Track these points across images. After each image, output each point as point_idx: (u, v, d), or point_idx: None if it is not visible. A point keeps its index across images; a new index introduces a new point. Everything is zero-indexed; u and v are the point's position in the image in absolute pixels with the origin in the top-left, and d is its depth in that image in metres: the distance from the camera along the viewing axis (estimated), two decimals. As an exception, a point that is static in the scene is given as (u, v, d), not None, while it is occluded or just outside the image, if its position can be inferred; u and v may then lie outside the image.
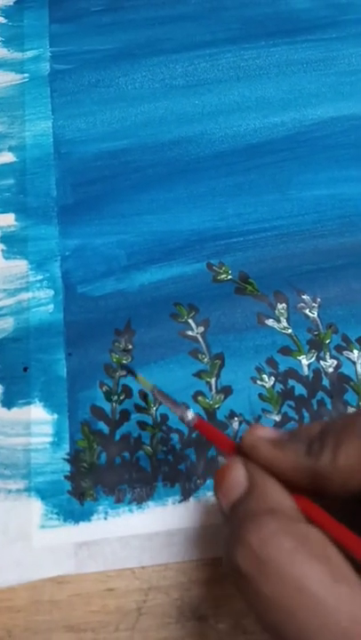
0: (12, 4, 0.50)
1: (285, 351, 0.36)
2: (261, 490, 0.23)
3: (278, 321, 0.37)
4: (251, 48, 0.48)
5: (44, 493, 0.33)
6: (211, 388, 0.35)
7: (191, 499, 0.33)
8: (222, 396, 0.35)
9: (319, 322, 0.37)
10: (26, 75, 0.46)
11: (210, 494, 0.33)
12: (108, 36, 0.49)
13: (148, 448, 0.34)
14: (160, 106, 0.45)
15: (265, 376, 0.36)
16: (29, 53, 0.47)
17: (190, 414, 0.27)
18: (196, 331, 0.37)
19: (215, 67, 0.47)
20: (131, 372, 0.33)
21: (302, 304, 0.38)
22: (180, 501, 0.32)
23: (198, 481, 0.33)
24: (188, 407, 0.28)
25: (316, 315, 0.37)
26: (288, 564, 0.20)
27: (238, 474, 0.24)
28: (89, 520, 0.32)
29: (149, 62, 0.47)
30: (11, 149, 0.43)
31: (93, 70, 0.47)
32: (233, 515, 0.23)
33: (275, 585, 0.20)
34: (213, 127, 0.44)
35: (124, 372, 0.36)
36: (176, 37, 0.48)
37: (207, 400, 0.35)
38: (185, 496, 0.33)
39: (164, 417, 0.34)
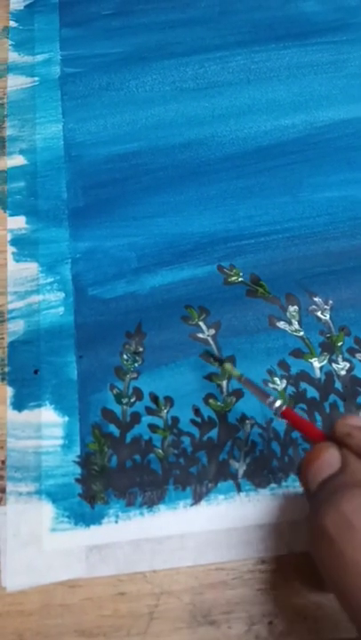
0: (22, 8, 0.50)
1: (297, 354, 0.36)
2: (355, 468, 0.25)
3: (290, 323, 0.37)
4: (261, 51, 0.48)
5: (54, 496, 0.32)
6: (222, 391, 0.35)
7: (203, 502, 0.32)
8: (233, 399, 0.35)
9: (331, 324, 0.37)
10: (36, 78, 0.46)
11: (221, 498, 0.32)
12: (119, 39, 0.49)
13: (160, 451, 0.33)
14: (170, 109, 0.45)
15: (277, 379, 0.35)
16: (40, 57, 0.48)
17: (278, 402, 0.29)
18: (207, 333, 0.37)
19: (226, 69, 0.47)
20: (218, 359, 0.34)
21: (314, 306, 0.37)
22: (192, 505, 0.32)
23: (210, 484, 0.33)
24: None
25: (328, 317, 0.37)
26: None
27: (332, 454, 0.26)
28: (100, 523, 0.32)
29: (160, 65, 0.47)
30: (22, 152, 0.43)
31: (104, 73, 0.47)
32: (325, 487, 0.25)
33: (358, 550, 0.22)
34: (224, 130, 0.44)
35: (135, 375, 0.35)
36: (186, 41, 0.48)
37: (218, 403, 0.35)
38: (196, 499, 0.32)
39: (176, 420, 0.34)
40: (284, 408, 0.29)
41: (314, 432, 0.29)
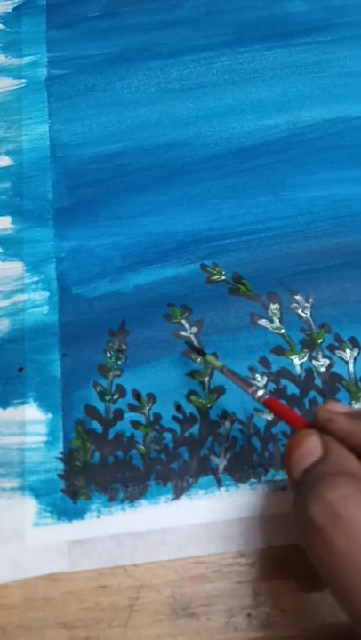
0: (10, 10, 0.51)
1: (278, 351, 0.37)
2: (336, 455, 0.25)
3: (271, 321, 0.37)
4: (246, 52, 0.48)
5: (38, 492, 0.33)
6: (204, 388, 0.36)
7: (183, 497, 0.33)
8: (215, 396, 0.35)
9: (312, 322, 0.37)
10: (23, 80, 0.47)
11: (202, 492, 0.33)
12: (105, 41, 0.49)
13: (141, 447, 0.34)
14: (155, 109, 0.46)
15: (258, 375, 0.36)
16: (27, 59, 0.48)
17: (260, 392, 0.30)
18: (189, 331, 0.37)
19: (210, 70, 0.47)
20: (199, 352, 0.34)
21: (295, 304, 0.38)
22: (173, 500, 0.33)
23: (190, 479, 0.33)
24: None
25: (308, 315, 0.38)
26: None
27: (314, 441, 0.26)
28: (82, 518, 0.32)
29: (145, 66, 0.48)
30: (7, 153, 0.43)
31: (90, 75, 0.47)
32: (307, 476, 0.25)
33: (349, 539, 0.22)
34: (208, 130, 0.45)
35: (118, 372, 0.36)
36: (172, 42, 0.49)
37: (200, 400, 0.35)
38: (177, 494, 0.33)
39: (158, 416, 0.35)
40: (266, 397, 0.30)
41: (296, 420, 0.29)
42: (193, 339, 0.37)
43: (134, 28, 0.50)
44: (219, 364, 0.32)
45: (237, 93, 0.46)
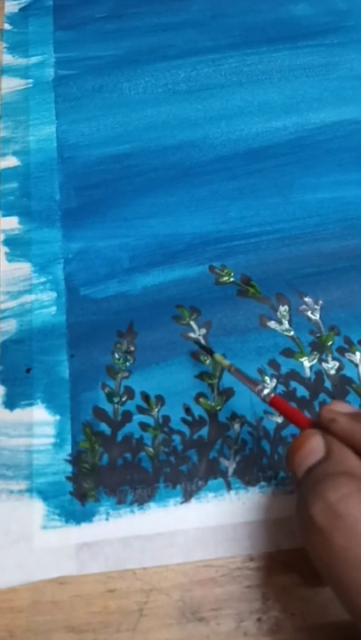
0: (17, 11, 0.51)
1: (287, 353, 0.36)
2: (338, 455, 0.25)
3: (280, 323, 0.37)
4: (253, 53, 0.48)
5: (45, 494, 0.33)
6: (212, 390, 0.35)
7: (192, 500, 0.32)
8: (224, 398, 0.35)
9: (321, 324, 0.37)
10: (30, 80, 0.47)
11: (211, 495, 0.33)
12: (112, 42, 0.49)
13: (150, 449, 0.34)
14: (163, 110, 0.46)
15: (267, 378, 0.36)
16: (34, 59, 0.48)
17: (266, 390, 0.30)
18: (198, 333, 0.37)
19: (218, 72, 0.47)
20: (208, 350, 0.34)
21: (304, 306, 0.38)
22: (182, 503, 0.32)
23: (200, 482, 0.33)
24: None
25: (318, 317, 0.37)
26: None
27: (316, 441, 0.26)
28: (90, 521, 0.32)
29: (152, 68, 0.48)
30: (15, 154, 0.43)
31: (97, 76, 0.47)
32: (310, 475, 0.25)
33: (349, 538, 0.22)
34: (216, 131, 0.45)
35: (126, 374, 0.36)
36: (178, 44, 0.49)
37: (209, 402, 0.35)
38: (186, 497, 0.33)
39: (166, 418, 0.34)
40: (272, 396, 0.30)
41: (300, 419, 0.29)
42: (202, 340, 0.37)
43: (141, 29, 0.50)
44: (227, 362, 0.32)
45: (245, 95, 0.46)
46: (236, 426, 0.34)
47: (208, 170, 0.43)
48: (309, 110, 0.45)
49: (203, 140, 0.44)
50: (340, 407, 0.28)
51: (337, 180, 0.42)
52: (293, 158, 0.43)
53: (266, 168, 0.43)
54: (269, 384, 0.35)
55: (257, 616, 0.30)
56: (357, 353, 0.36)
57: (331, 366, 0.36)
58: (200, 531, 0.32)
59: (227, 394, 0.35)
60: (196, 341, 0.36)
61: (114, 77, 0.47)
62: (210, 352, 0.34)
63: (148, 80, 0.47)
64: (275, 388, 0.35)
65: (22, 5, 0.51)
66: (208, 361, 0.36)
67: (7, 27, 0.49)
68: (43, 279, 0.39)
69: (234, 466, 0.33)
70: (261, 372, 0.36)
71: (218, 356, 0.33)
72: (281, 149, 0.44)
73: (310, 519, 0.24)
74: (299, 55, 0.48)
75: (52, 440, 0.34)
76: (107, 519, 0.32)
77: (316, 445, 0.26)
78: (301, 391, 0.35)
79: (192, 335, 0.37)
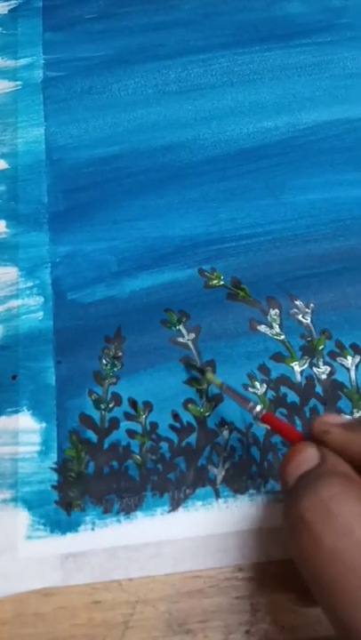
0: (6, 12, 0.50)
1: (278, 357, 0.36)
2: (332, 462, 0.25)
3: (271, 327, 0.37)
4: (244, 53, 0.47)
5: (30, 503, 0.32)
6: (201, 396, 0.35)
7: (180, 509, 0.32)
8: (213, 404, 0.34)
9: (312, 328, 0.37)
10: (19, 82, 0.46)
11: (199, 504, 0.32)
12: (101, 42, 0.48)
13: (137, 457, 0.33)
14: (153, 111, 0.45)
15: (257, 383, 0.35)
16: (23, 61, 0.47)
17: (258, 407, 0.29)
18: (187, 337, 0.36)
19: (209, 72, 0.47)
20: (198, 369, 0.34)
21: (295, 310, 0.37)
22: (169, 511, 0.32)
23: (188, 490, 0.32)
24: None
25: (309, 320, 0.37)
26: (357, 521, 0.21)
27: (310, 451, 0.26)
28: (76, 531, 0.32)
29: (142, 68, 0.47)
30: (3, 156, 0.43)
31: (86, 77, 0.47)
32: (301, 480, 0.25)
33: (339, 538, 0.21)
34: (206, 132, 0.44)
35: (114, 380, 0.35)
36: (169, 43, 0.48)
37: (198, 408, 0.34)
38: (174, 506, 0.32)
39: (154, 425, 0.34)
40: (263, 413, 0.29)
41: (292, 434, 0.28)
42: (191, 346, 0.36)
43: (131, 29, 0.49)
44: (218, 380, 0.32)
45: (236, 95, 0.46)
46: (226, 432, 0.34)
47: (199, 171, 0.42)
48: (301, 110, 0.45)
49: (193, 140, 0.44)
50: (333, 419, 0.27)
51: (329, 181, 0.42)
52: (285, 159, 0.43)
53: (257, 169, 0.42)
54: (260, 389, 0.35)
55: (245, 628, 0.29)
56: (349, 357, 0.36)
57: (322, 371, 0.35)
58: (188, 540, 0.31)
59: (216, 400, 0.35)
60: (186, 362, 0.35)
61: (103, 78, 0.47)
62: (201, 371, 0.34)
63: (138, 81, 0.46)
64: (265, 394, 0.34)
65: (12, 7, 0.50)
66: (198, 364, 0.35)
67: (-4, 28, 0.49)
68: (30, 284, 0.38)
69: (223, 473, 0.33)
70: (251, 377, 0.35)
71: (209, 375, 0.33)
72: (272, 150, 0.43)
73: (300, 516, 0.23)
74: (291, 54, 0.47)
75: (37, 448, 0.33)
76: (92, 529, 0.31)
77: (309, 455, 0.26)
78: (292, 396, 0.35)
79: (181, 340, 0.36)
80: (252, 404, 0.30)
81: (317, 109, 0.45)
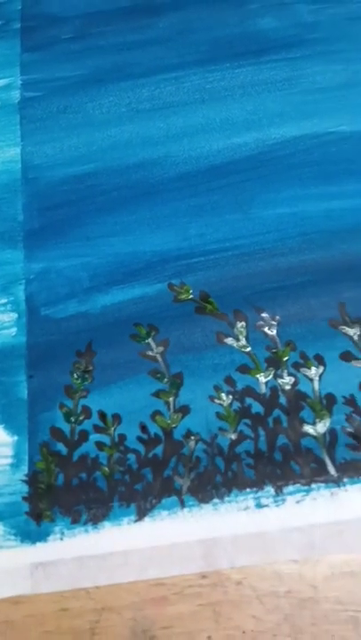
0: (-15, 34, 0.51)
1: (244, 369, 0.37)
2: None
3: (237, 339, 0.38)
4: (216, 70, 0.48)
5: (2, 515, 0.33)
6: (169, 408, 0.36)
7: (146, 518, 0.33)
8: (180, 415, 0.36)
9: (278, 339, 0.38)
10: (-4, 103, 0.47)
11: (165, 513, 0.33)
12: (77, 62, 0.50)
13: (105, 468, 0.34)
14: (126, 129, 0.46)
15: (223, 394, 0.36)
16: (1, 82, 0.49)
17: None
18: (155, 351, 0.37)
19: (181, 90, 0.48)
20: None
21: (261, 322, 0.38)
22: (136, 521, 0.33)
23: (154, 500, 0.33)
24: None
25: (275, 333, 0.38)
26: None
27: None
28: (45, 541, 0.33)
29: (116, 87, 0.48)
30: (-21, 176, 0.44)
31: (62, 97, 0.48)
32: None
33: None
34: (177, 149, 0.45)
35: (84, 393, 0.36)
36: (143, 62, 0.49)
37: (165, 419, 0.35)
38: (140, 516, 0.33)
39: (122, 437, 0.35)
40: None
41: None
42: (160, 359, 0.37)
43: (106, 49, 0.50)
44: None
45: (207, 112, 0.47)
46: (191, 443, 0.35)
47: (170, 188, 0.44)
48: (270, 126, 0.46)
49: (165, 158, 0.45)
50: None
51: (297, 195, 0.43)
52: (254, 174, 0.44)
53: (227, 184, 0.43)
54: (226, 401, 0.36)
55: (208, 634, 0.30)
56: (313, 368, 0.37)
57: (286, 381, 0.36)
58: (153, 549, 0.32)
59: (183, 411, 0.36)
60: None
61: (78, 98, 0.48)
62: None
63: (112, 100, 0.48)
64: (230, 405, 0.36)
65: (-9, 28, 0.52)
66: (165, 379, 0.37)
67: (-25, 50, 0.50)
68: (4, 300, 0.39)
69: (188, 483, 0.34)
70: (218, 388, 0.36)
71: None
72: (242, 165, 0.44)
73: None
74: (262, 70, 0.48)
75: (9, 461, 0.35)
76: (61, 539, 0.33)
77: None
78: (256, 407, 0.36)
79: (150, 353, 0.37)
80: None
81: (286, 125, 0.46)
